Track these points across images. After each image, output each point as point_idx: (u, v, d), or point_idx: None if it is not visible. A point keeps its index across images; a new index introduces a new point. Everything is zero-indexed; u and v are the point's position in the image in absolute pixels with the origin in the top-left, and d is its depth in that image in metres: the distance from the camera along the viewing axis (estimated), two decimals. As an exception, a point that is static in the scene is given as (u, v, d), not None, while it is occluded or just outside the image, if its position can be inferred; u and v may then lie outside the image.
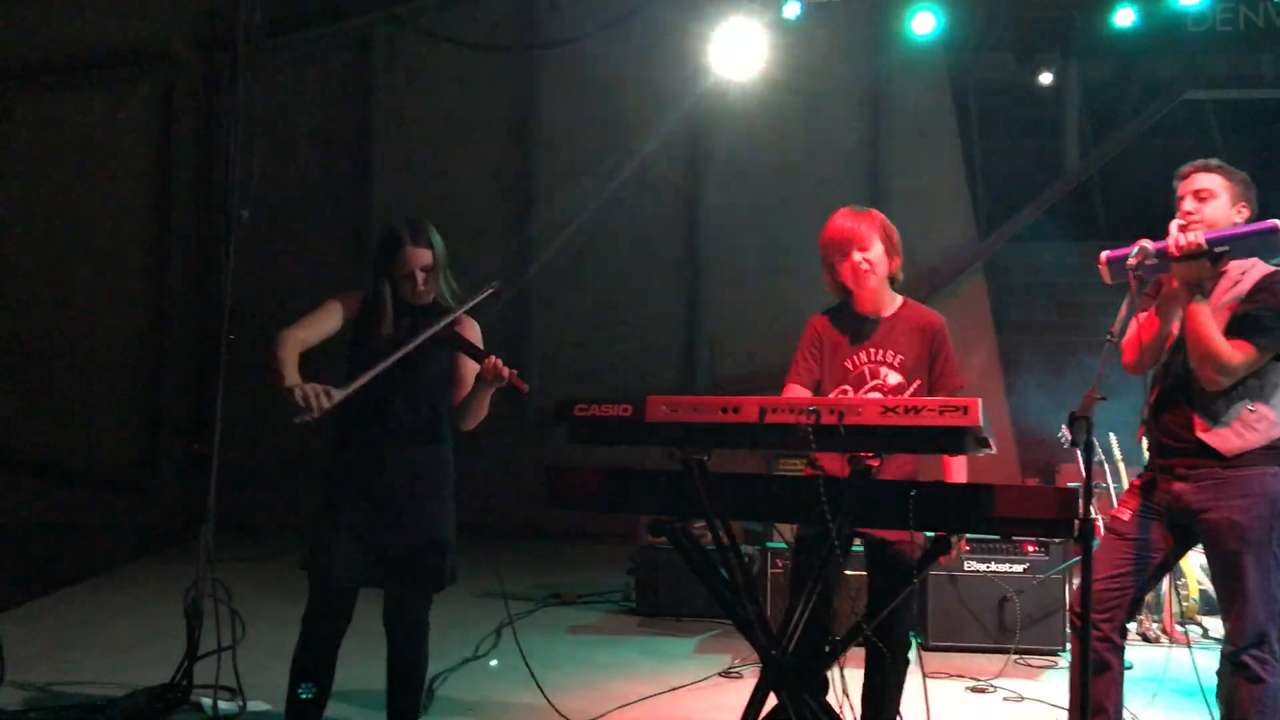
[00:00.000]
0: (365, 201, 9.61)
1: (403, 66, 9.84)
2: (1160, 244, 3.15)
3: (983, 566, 5.46)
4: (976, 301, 9.24)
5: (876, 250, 3.47)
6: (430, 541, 3.50)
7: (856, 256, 3.46)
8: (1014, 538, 5.25)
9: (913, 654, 3.56)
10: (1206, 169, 3.33)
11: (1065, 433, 6.17)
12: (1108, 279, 3.26)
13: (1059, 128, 9.67)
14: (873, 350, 3.48)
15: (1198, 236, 3.09)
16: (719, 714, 4.35)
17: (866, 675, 3.42)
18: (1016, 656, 5.27)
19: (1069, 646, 3.41)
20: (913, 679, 4.87)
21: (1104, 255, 3.26)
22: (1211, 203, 3.27)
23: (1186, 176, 3.35)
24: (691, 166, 9.73)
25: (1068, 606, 3.42)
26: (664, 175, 9.68)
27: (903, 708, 3.43)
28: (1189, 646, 5.62)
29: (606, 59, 9.43)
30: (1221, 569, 3.21)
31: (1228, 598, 3.20)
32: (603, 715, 4.30)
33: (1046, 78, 8.51)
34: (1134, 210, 8.57)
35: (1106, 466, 6.22)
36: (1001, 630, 5.40)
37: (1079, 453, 2.81)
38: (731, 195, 9.59)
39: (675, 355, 9.79)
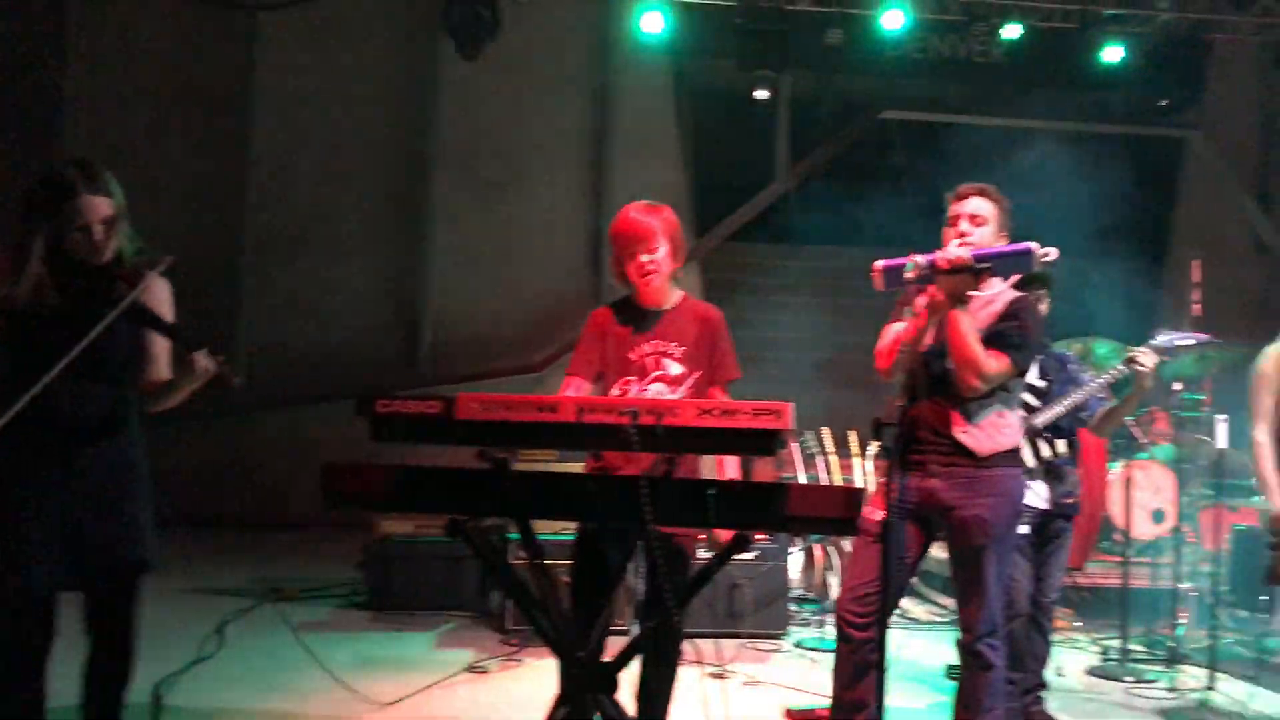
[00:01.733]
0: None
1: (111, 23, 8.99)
2: (929, 257, 3.37)
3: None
4: (691, 296, 9.58)
5: (662, 251, 3.52)
6: (125, 531, 3.10)
7: (643, 256, 3.49)
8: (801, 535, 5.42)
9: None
10: (983, 194, 3.56)
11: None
12: (880, 287, 3.45)
13: (771, 136, 10.20)
14: (656, 342, 3.53)
15: (966, 253, 3.33)
16: (477, 711, 4.28)
17: (644, 668, 3.46)
18: (746, 641, 5.51)
19: (833, 635, 3.58)
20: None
21: (878, 265, 3.44)
22: (983, 228, 3.51)
23: (964, 197, 3.57)
24: (418, 142, 9.49)
25: (836, 605, 3.56)
26: (389, 150, 9.39)
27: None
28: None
29: (331, 26, 9.03)
30: (964, 563, 3.45)
31: (968, 590, 3.45)
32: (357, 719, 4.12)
33: (765, 79, 8.94)
34: (828, 218, 9.10)
35: (820, 460, 6.64)
36: (730, 616, 5.63)
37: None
38: (459, 175, 9.44)
39: (397, 337, 9.55)
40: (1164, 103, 10.01)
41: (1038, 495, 4.20)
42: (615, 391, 3.51)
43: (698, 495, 2.82)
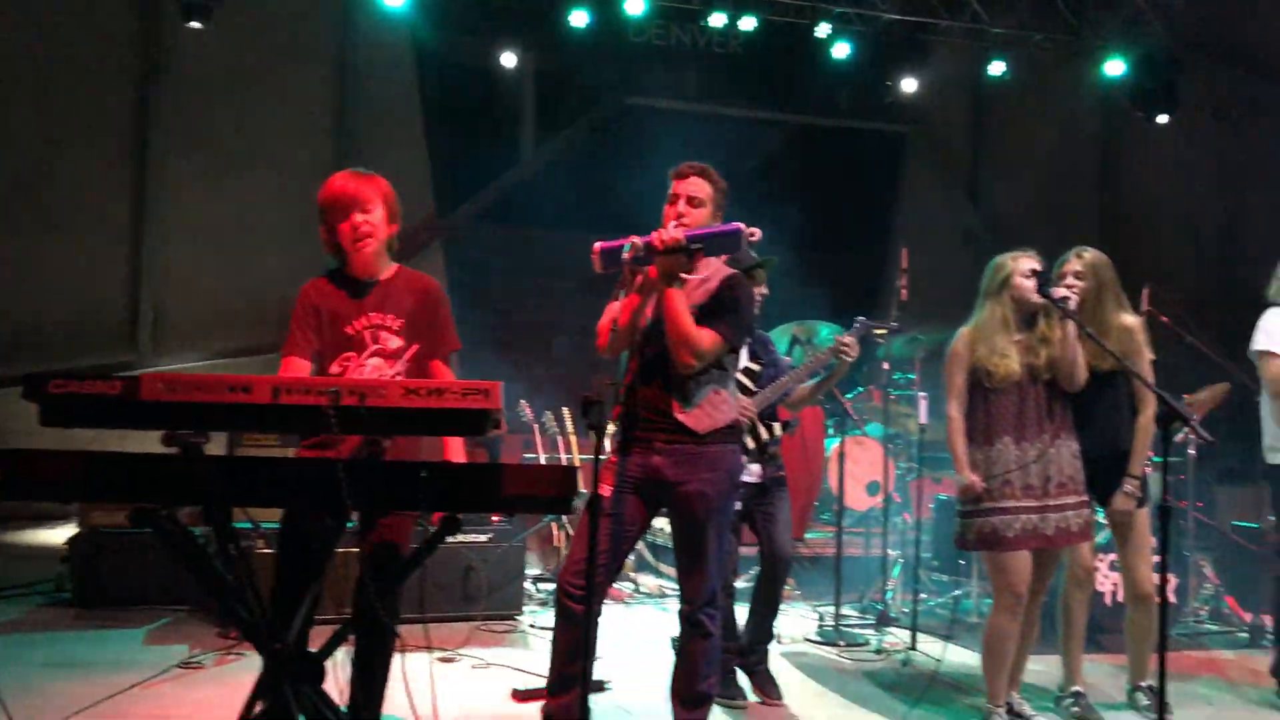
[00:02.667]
0: None
1: None
2: (646, 238, 3.42)
3: (449, 538, 5.58)
4: (433, 276, 9.45)
5: (378, 213, 3.43)
6: None
7: (358, 217, 3.39)
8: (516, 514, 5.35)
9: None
10: (704, 175, 3.62)
11: (524, 408, 6.53)
12: (600, 269, 3.48)
13: (517, 117, 10.17)
14: (372, 314, 3.43)
15: (679, 233, 3.40)
16: (185, 709, 4.06)
17: (357, 656, 3.36)
18: (481, 623, 5.49)
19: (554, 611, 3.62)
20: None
21: (597, 246, 3.47)
22: (700, 210, 3.57)
23: (685, 177, 3.61)
24: (144, 111, 8.88)
25: (559, 578, 3.59)
26: (112, 118, 8.75)
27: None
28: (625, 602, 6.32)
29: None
30: (686, 536, 3.55)
31: (690, 562, 3.55)
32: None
33: (510, 58, 8.89)
34: (574, 200, 9.17)
35: (560, 440, 6.69)
36: (465, 599, 5.58)
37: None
38: (188, 147, 8.90)
39: (116, 319, 8.91)
40: (890, 100, 10.57)
41: (750, 472, 4.39)
42: (335, 369, 3.39)
43: (408, 478, 2.77)
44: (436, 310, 3.52)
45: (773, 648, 4.83)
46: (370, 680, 3.37)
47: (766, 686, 4.54)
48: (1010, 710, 4.20)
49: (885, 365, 6.08)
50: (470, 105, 10.00)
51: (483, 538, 5.69)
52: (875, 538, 6.49)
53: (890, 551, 6.19)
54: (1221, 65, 11.58)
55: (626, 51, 10.06)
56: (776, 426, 4.47)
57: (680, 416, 3.47)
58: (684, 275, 3.48)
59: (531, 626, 5.60)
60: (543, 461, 6.56)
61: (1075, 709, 4.31)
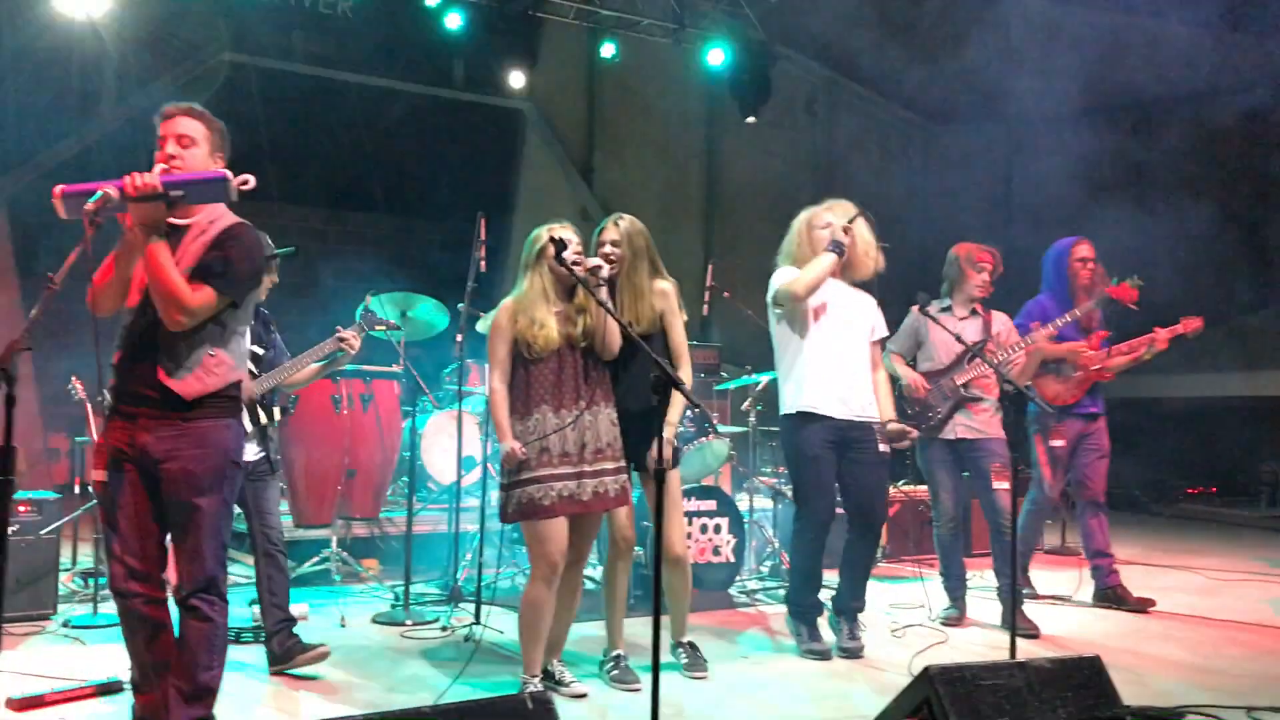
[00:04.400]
0: None
1: None
2: (118, 183, 3.11)
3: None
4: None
5: None
6: None
7: None
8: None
9: None
10: (192, 114, 3.36)
11: (76, 384, 5.94)
12: (63, 215, 3.14)
13: (96, 69, 9.25)
14: None
15: (154, 179, 3.11)
16: None
17: None
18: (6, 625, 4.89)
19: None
20: None
21: (58, 190, 3.12)
22: (193, 150, 3.32)
23: (171, 118, 3.35)
24: None
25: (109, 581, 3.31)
26: None
27: None
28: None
29: None
30: (176, 517, 3.28)
31: (181, 544, 3.28)
32: None
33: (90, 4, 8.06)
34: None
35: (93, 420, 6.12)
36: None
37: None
38: None
39: None
40: (515, 82, 10.51)
41: (249, 450, 4.35)
42: None
43: None
44: None
45: (327, 634, 4.64)
46: None
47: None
48: (549, 677, 4.23)
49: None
50: (43, 53, 8.97)
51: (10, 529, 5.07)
52: (470, 512, 6.39)
53: (470, 526, 6.13)
54: (814, 62, 12.50)
55: (224, 5, 9.41)
56: (276, 411, 4.48)
57: (167, 381, 3.20)
58: (179, 224, 3.22)
59: (65, 625, 5.07)
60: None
61: (614, 671, 4.41)
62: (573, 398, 4.10)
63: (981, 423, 5.53)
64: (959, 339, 5.19)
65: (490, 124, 11.24)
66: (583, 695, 4.17)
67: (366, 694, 4.22)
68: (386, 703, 4.08)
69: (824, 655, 4.86)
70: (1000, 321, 5.73)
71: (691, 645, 4.67)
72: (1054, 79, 10.41)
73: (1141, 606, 5.96)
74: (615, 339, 4.13)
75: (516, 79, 10.18)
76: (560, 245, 3.99)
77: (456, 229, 10.31)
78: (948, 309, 5.70)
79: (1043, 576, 6.62)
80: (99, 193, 3.06)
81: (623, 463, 4.22)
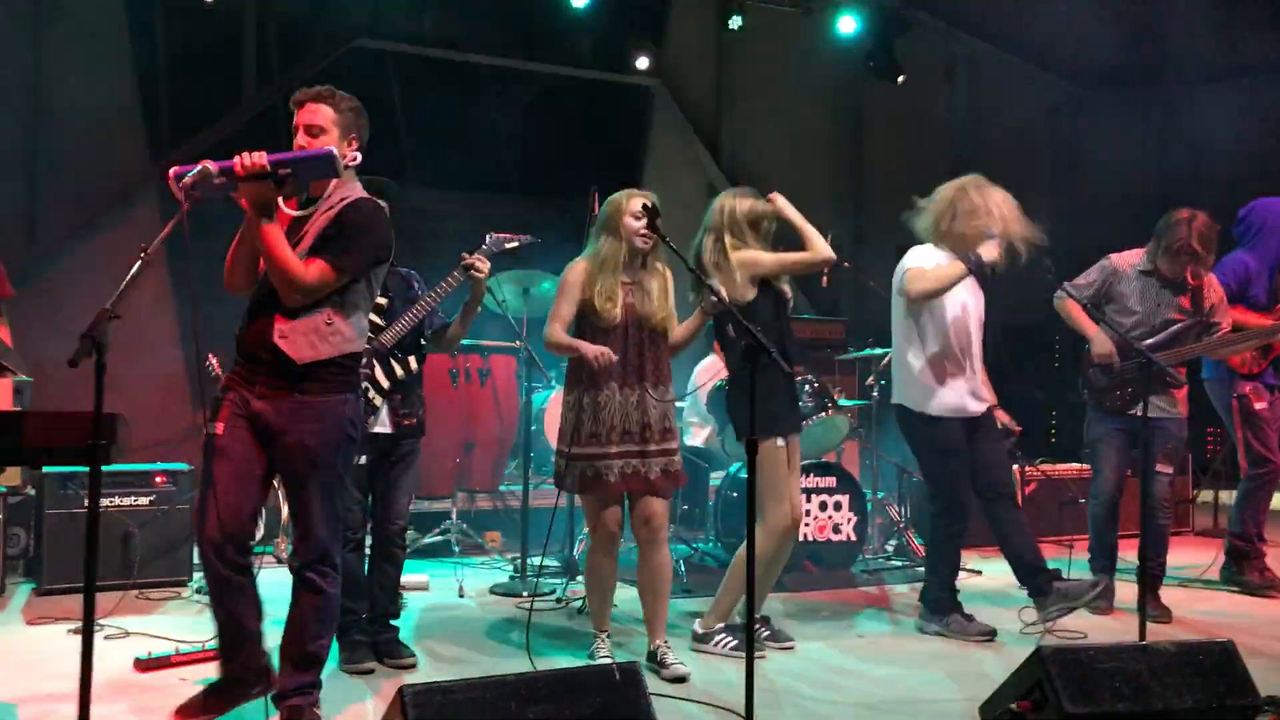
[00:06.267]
0: None
1: None
2: (225, 164, 3.17)
3: (107, 501, 5.21)
4: (150, 221, 8.86)
5: None
6: None
7: None
8: (47, 466, 4.94)
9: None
10: (323, 99, 3.38)
11: (212, 362, 6.17)
12: (180, 197, 3.21)
13: (238, 54, 9.60)
14: None
15: (260, 158, 3.15)
16: None
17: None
18: (138, 592, 5.14)
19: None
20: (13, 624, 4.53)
21: (172, 171, 3.21)
22: (322, 139, 3.33)
23: (303, 105, 3.38)
24: None
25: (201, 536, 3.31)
26: None
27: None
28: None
29: None
30: (292, 489, 3.33)
31: (297, 518, 3.33)
32: None
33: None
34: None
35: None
36: (124, 566, 5.22)
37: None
38: None
39: None
40: (642, 59, 10.48)
41: (383, 422, 4.16)
42: None
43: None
44: None
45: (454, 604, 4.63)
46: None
47: (396, 652, 4.21)
48: (652, 658, 4.14)
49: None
50: (189, 38, 9.34)
51: (143, 500, 5.33)
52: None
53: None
54: (948, 26, 12.08)
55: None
56: (413, 360, 4.20)
57: (279, 341, 3.22)
58: (295, 203, 3.29)
59: (198, 593, 5.28)
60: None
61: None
62: (636, 375, 4.06)
63: (1168, 401, 5.15)
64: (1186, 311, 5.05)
65: (618, 102, 11.22)
66: (683, 678, 4.02)
67: (472, 665, 4.24)
68: (491, 670, 4.10)
69: (991, 633, 4.69)
70: (1214, 291, 5.24)
71: (766, 619, 4.61)
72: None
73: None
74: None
75: (643, 56, 10.14)
76: (653, 212, 3.92)
77: (583, 208, 10.41)
78: (1151, 272, 5.21)
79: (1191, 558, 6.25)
80: (197, 168, 3.13)
81: (677, 444, 4.19)
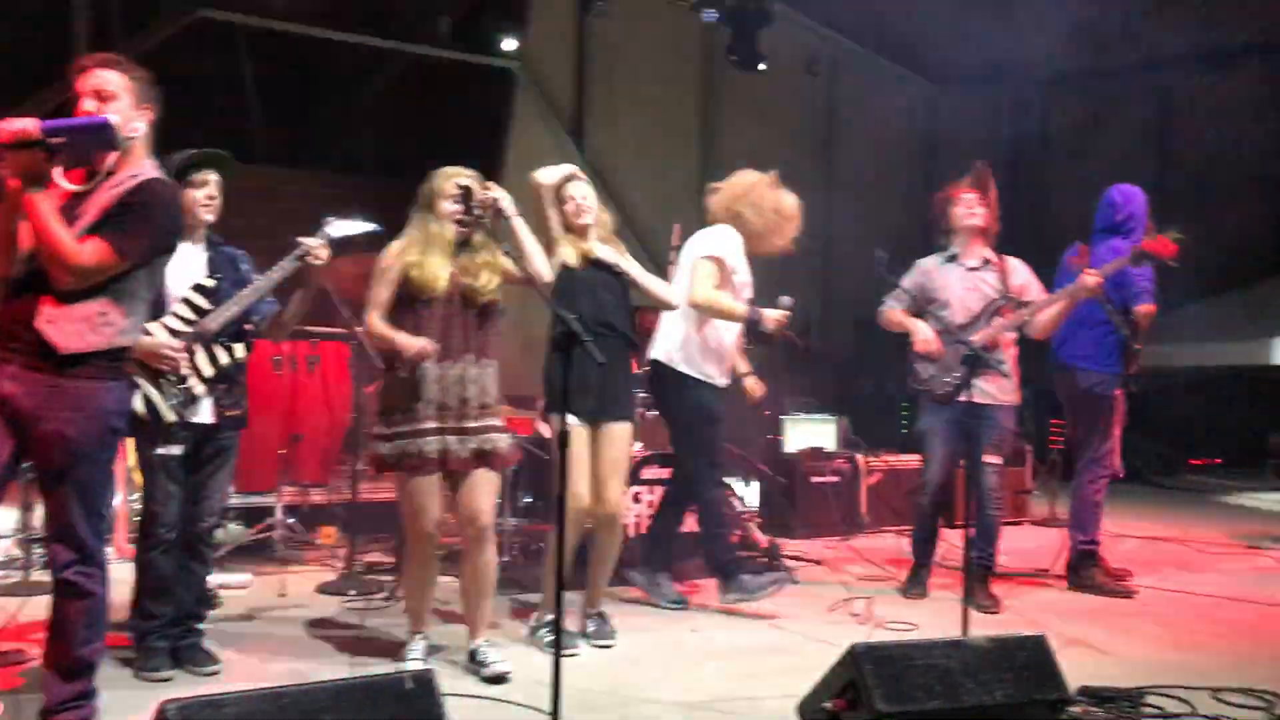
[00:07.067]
0: None
1: None
2: None
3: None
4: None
5: None
6: None
7: None
8: None
9: None
10: (111, 65, 3.13)
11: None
12: None
13: (66, 26, 9.05)
14: None
15: (27, 124, 2.87)
16: None
17: None
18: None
19: None
20: None
21: None
22: (114, 103, 3.07)
23: (86, 70, 3.11)
24: None
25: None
26: None
27: None
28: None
29: None
30: (47, 484, 3.05)
31: (52, 515, 3.05)
32: None
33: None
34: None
35: None
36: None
37: None
38: None
39: None
40: (504, 41, 10.24)
41: (204, 411, 3.90)
42: None
43: None
44: None
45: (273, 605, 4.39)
46: None
47: (198, 659, 3.92)
48: (472, 658, 3.97)
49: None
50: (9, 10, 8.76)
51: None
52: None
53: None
54: (814, 23, 12.19)
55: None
56: (238, 348, 3.91)
57: (45, 328, 2.94)
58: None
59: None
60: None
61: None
62: (460, 349, 3.88)
63: (998, 388, 5.17)
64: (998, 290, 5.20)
65: (479, 84, 10.96)
66: (501, 677, 3.86)
67: (283, 673, 3.92)
68: (309, 678, 3.87)
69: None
70: (1018, 272, 5.32)
71: (601, 615, 4.51)
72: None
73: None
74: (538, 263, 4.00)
75: (505, 38, 9.93)
76: (467, 192, 3.76)
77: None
78: (954, 258, 5.33)
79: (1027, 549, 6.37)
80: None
81: (504, 421, 4.00)
